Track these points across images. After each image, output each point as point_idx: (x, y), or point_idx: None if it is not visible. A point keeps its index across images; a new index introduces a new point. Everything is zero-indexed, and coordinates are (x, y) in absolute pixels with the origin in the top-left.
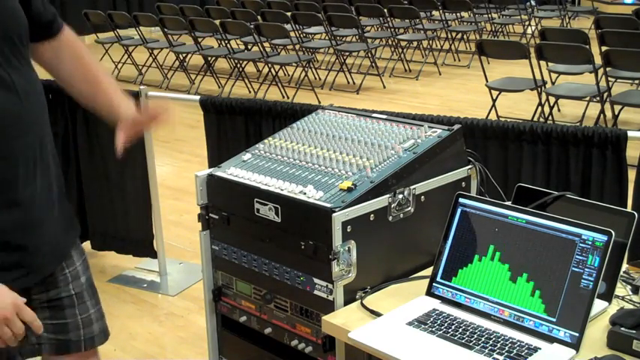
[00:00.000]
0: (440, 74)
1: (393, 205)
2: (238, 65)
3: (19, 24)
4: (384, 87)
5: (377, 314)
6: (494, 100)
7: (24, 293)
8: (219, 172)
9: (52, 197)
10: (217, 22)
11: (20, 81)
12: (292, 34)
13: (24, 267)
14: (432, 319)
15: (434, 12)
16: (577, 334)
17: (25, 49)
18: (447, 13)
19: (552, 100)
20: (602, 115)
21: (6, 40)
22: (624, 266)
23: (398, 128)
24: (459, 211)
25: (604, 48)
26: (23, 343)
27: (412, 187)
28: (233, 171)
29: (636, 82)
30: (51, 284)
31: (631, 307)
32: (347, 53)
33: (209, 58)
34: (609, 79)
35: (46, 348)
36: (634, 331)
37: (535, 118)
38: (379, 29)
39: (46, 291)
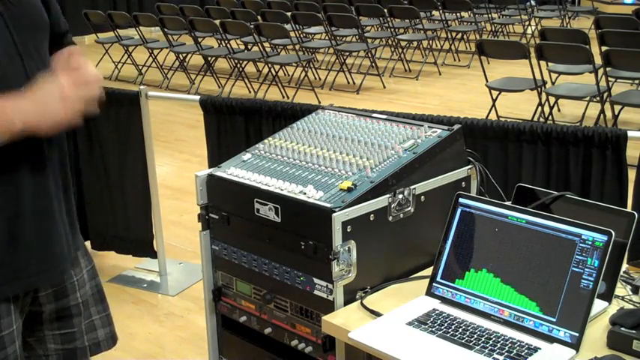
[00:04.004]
0: (440, 74)
1: (393, 205)
2: (238, 65)
3: (45, 23)
4: (384, 87)
5: (377, 314)
6: (494, 100)
7: (35, 305)
8: (219, 172)
9: (58, 193)
10: (217, 22)
11: (36, 73)
12: (292, 34)
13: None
14: (432, 319)
15: (434, 12)
16: (577, 334)
17: (45, 46)
18: (447, 13)
19: (552, 100)
20: (602, 115)
21: (33, 35)
22: (624, 266)
23: (398, 128)
24: (458, 211)
25: (604, 48)
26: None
27: (412, 187)
28: (233, 171)
29: (636, 82)
30: (60, 294)
31: (631, 307)
32: (347, 53)
33: (209, 58)
34: (609, 79)
35: (53, 359)
36: (634, 331)
37: (535, 118)
38: (379, 29)
39: (55, 301)
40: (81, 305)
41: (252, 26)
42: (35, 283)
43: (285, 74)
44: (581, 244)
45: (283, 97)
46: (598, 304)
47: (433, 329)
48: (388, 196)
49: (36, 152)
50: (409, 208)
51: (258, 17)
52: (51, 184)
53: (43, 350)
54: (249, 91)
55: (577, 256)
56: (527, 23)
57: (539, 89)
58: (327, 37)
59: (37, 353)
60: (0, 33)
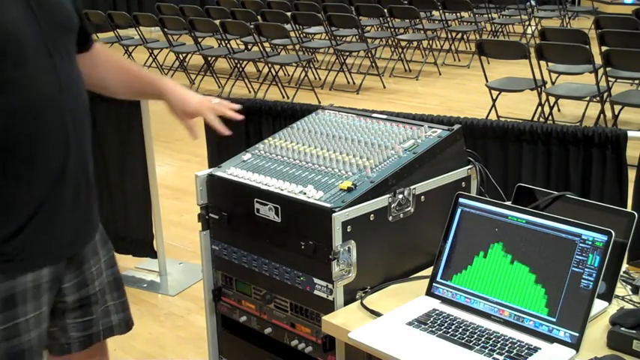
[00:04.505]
0: (440, 74)
1: (393, 205)
2: (238, 65)
3: (74, 22)
4: (384, 87)
5: (377, 314)
6: (494, 100)
7: (59, 296)
8: (219, 172)
9: (81, 182)
10: (217, 22)
11: (63, 70)
12: (292, 34)
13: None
14: (432, 319)
15: (434, 12)
16: (577, 334)
17: (73, 45)
18: (447, 13)
19: (552, 100)
20: (602, 115)
21: (62, 32)
22: (624, 266)
23: (398, 128)
24: (458, 211)
25: (604, 48)
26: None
27: (412, 187)
28: (233, 171)
29: (636, 82)
30: (82, 284)
31: (631, 307)
32: (347, 53)
33: (209, 58)
34: (609, 79)
35: (75, 346)
36: (634, 331)
37: (535, 118)
38: (379, 29)
39: (77, 291)
40: (98, 293)
41: (252, 26)
42: (71, 250)
43: (285, 74)
44: (581, 244)
45: (283, 97)
46: (598, 304)
47: (433, 329)
48: (388, 196)
49: (81, 127)
50: (409, 208)
51: (258, 17)
52: (89, 158)
53: (66, 339)
54: (249, 91)
55: (577, 256)
56: (527, 23)
57: (539, 89)
58: (327, 37)
59: (59, 342)
60: (32, 32)
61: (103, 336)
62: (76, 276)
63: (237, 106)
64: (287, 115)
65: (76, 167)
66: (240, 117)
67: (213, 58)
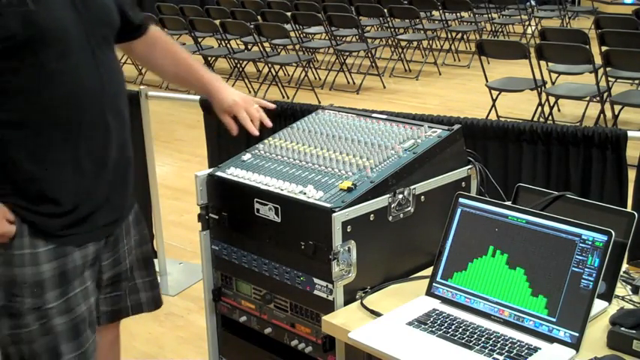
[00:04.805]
0: (440, 74)
1: (393, 205)
2: (238, 65)
3: (113, 18)
4: (384, 87)
5: (377, 314)
6: (494, 100)
7: (98, 273)
8: (219, 172)
9: (121, 165)
10: (217, 22)
11: (105, 65)
12: (292, 34)
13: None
14: (432, 319)
15: (434, 12)
16: (577, 334)
17: (112, 40)
18: (447, 13)
19: (552, 100)
20: (602, 115)
21: (103, 29)
22: (624, 266)
23: (398, 128)
24: (458, 211)
25: (604, 48)
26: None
27: (412, 187)
28: (233, 171)
29: (636, 82)
30: (117, 261)
31: (631, 307)
32: (347, 53)
33: (209, 58)
34: (609, 79)
35: (103, 319)
36: (634, 331)
37: (535, 118)
38: (379, 29)
39: (112, 268)
40: (128, 271)
41: (252, 26)
42: (111, 229)
43: (285, 74)
44: (581, 244)
45: (283, 97)
46: (598, 304)
47: (433, 329)
48: (388, 196)
49: (120, 116)
50: (409, 208)
51: (258, 17)
52: (129, 144)
53: (97, 312)
54: (249, 91)
55: (577, 256)
56: (527, 23)
57: (539, 89)
58: (327, 37)
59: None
60: (75, 27)
61: (132, 312)
62: (112, 254)
63: (272, 106)
64: (287, 115)
65: (117, 152)
66: (270, 124)
67: (213, 58)
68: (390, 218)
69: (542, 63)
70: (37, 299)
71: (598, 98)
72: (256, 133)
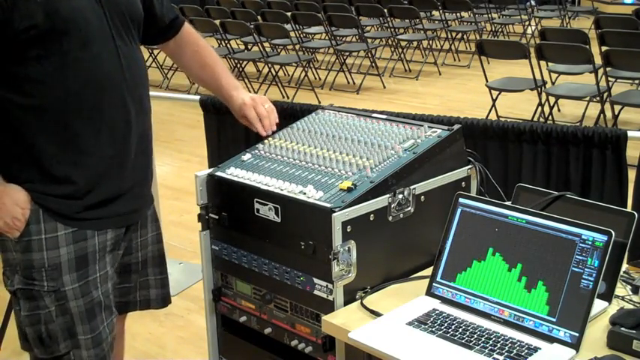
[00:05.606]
0: (440, 74)
1: (393, 205)
2: (238, 65)
3: (137, 13)
4: (384, 87)
5: (377, 314)
6: (494, 100)
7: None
8: (219, 172)
9: (141, 155)
10: (217, 22)
11: (126, 54)
12: (292, 34)
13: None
14: (432, 319)
15: (434, 12)
16: (577, 334)
17: (137, 33)
18: (447, 13)
19: (552, 100)
20: (602, 115)
21: (125, 20)
22: (624, 266)
23: (398, 128)
24: (458, 211)
25: (604, 48)
26: None
27: (412, 187)
28: (233, 171)
29: (636, 82)
30: (127, 250)
31: (631, 307)
32: (347, 53)
33: None
34: (609, 79)
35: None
36: (634, 331)
37: (535, 118)
38: (379, 29)
39: (124, 257)
40: (140, 264)
41: (252, 26)
42: (130, 219)
43: (285, 74)
44: (581, 244)
45: (283, 97)
46: (598, 304)
47: (433, 329)
48: (388, 196)
49: (141, 107)
50: (409, 208)
51: (258, 17)
52: (149, 135)
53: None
54: (249, 91)
55: (577, 256)
56: (527, 23)
57: (539, 89)
58: (327, 37)
59: None
60: (97, 18)
61: (139, 306)
62: (126, 244)
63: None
64: (287, 115)
65: (138, 140)
66: (275, 124)
67: None
68: (390, 218)
69: (542, 63)
70: (55, 282)
71: (598, 98)
72: (263, 133)
